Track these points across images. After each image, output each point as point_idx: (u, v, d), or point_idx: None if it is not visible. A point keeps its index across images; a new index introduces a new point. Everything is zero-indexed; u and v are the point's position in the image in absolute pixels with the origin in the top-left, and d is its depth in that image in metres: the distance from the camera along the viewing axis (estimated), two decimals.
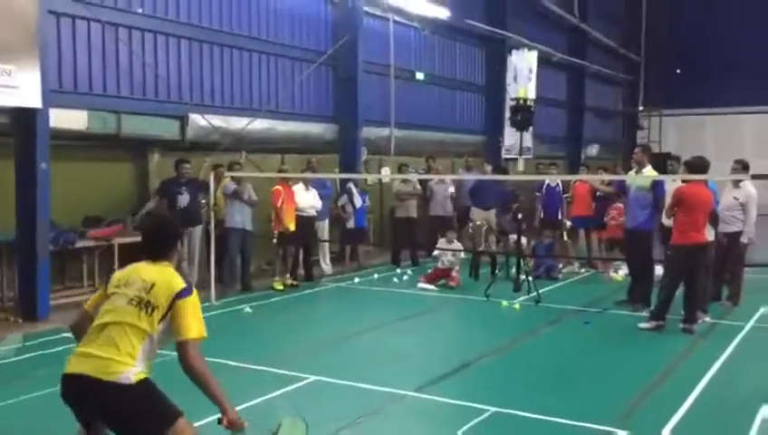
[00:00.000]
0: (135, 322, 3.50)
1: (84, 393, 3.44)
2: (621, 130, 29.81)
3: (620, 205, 11.36)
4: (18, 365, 6.86)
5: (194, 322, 3.54)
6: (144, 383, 3.47)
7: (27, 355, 7.17)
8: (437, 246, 11.64)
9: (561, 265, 12.29)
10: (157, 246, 3.80)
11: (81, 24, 9.67)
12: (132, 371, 3.43)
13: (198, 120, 11.05)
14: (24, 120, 8.52)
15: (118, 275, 3.75)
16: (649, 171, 9.30)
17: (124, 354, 3.44)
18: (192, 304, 3.59)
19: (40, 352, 7.26)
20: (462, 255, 11.63)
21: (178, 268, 3.90)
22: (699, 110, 26.61)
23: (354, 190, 12.72)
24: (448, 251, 11.37)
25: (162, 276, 3.64)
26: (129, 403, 3.41)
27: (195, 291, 3.67)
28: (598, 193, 12.08)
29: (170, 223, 4.25)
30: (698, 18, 26.48)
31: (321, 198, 11.86)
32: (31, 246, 8.67)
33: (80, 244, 9.51)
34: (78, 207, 9.85)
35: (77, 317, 3.82)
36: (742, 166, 9.45)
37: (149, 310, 3.53)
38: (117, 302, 3.57)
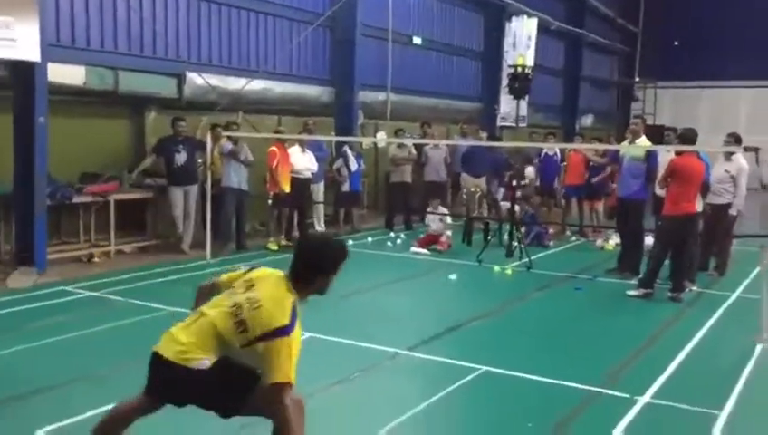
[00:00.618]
0: (223, 329, 3.36)
1: (161, 373, 3.42)
2: (616, 101, 29.81)
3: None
4: (14, 317, 6.96)
5: (285, 365, 3.24)
6: (220, 361, 3.39)
7: (23, 307, 7.27)
8: (427, 211, 11.80)
9: (549, 232, 12.41)
10: (307, 267, 3.48)
11: None
12: (207, 361, 3.36)
13: (196, 79, 11.03)
14: (23, 73, 8.49)
15: (258, 271, 3.57)
16: (643, 141, 9.41)
17: (205, 349, 3.36)
18: (287, 345, 3.26)
19: (37, 304, 7.37)
20: (449, 220, 11.72)
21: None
22: (695, 82, 26.64)
23: (350, 154, 12.76)
24: (436, 216, 11.52)
25: (272, 304, 3.35)
26: (206, 385, 3.36)
27: (297, 327, 3.33)
28: (591, 163, 12.21)
29: (329, 250, 3.62)
30: None
31: (317, 160, 11.92)
32: (28, 200, 8.71)
33: (76, 199, 9.55)
34: (75, 163, 9.87)
35: (207, 284, 3.76)
36: (734, 139, 9.56)
37: (241, 328, 3.33)
38: (228, 298, 3.46)
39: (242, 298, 3.40)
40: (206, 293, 3.71)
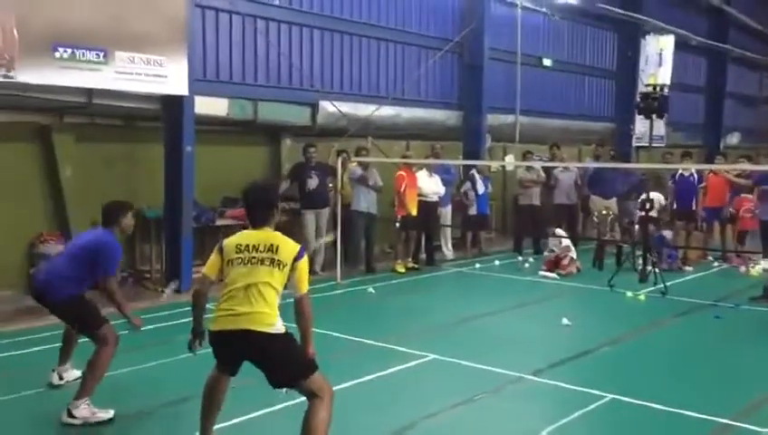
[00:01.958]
0: (270, 280, 3.98)
1: (244, 344, 3.96)
2: (766, 118, 27.88)
3: (750, 196, 11.24)
4: (163, 331, 7.53)
5: (307, 278, 4.09)
6: (289, 334, 4.01)
7: (172, 323, 7.84)
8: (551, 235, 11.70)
9: (678, 256, 11.81)
10: (261, 211, 4.17)
11: (224, 17, 10.33)
12: (279, 321, 3.95)
13: (328, 107, 11.52)
14: (172, 106, 9.25)
15: (233, 242, 4.11)
16: None
17: (272, 307, 3.97)
18: (306, 263, 4.10)
19: (183, 320, 7.92)
20: (566, 242, 11.44)
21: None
22: None
23: (477, 177, 12.80)
24: (556, 239, 11.41)
25: (280, 240, 4.08)
26: (281, 349, 3.97)
27: (305, 253, 4.13)
28: (734, 184, 11.57)
29: (271, 189, 4.48)
30: None
31: (444, 183, 12.05)
32: (176, 223, 9.44)
33: (219, 222, 10.22)
34: (217, 188, 10.58)
35: (203, 285, 4.27)
36: None
37: (281, 266, 4.00)
38: (248, 265, 4.01)
39: (261, 254, 4.00)
40: (207, 289, 4.24)
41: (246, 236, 4.13)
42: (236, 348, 4.01)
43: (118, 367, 5.52)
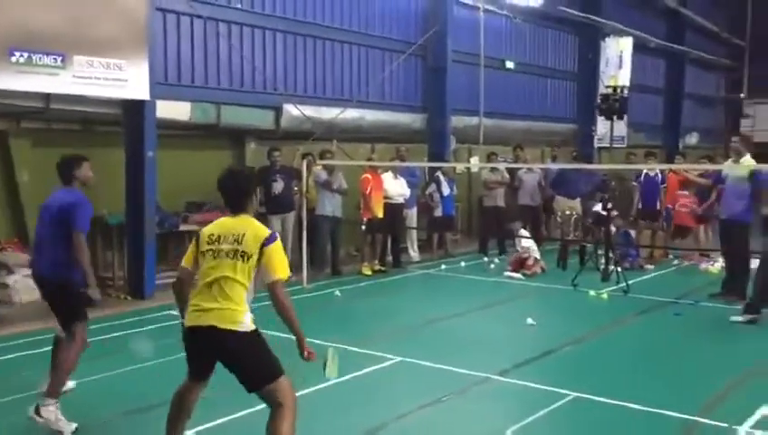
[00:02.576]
0: (233, 274, 3.90)
1: (209, 341, 3.90)
2: (724, 118, 28.55)
3: (687, 193, 11.79)
4: (127, 339, 7.43)
5: (280, 264, 3.94)
6: (258, 333, 3.93)
7: (134, 330, 7.75)
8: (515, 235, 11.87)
9: (639, 256, 12.03)
10: (234, 198, 4.13)
11: (185, 20, 10.22)
12: (247, 319, 3.90)
13: (292, 111, 11.47)
14: (134, 111, 9.13)
15: (207, 232, 4.07)
16: (748, 160, 9.02)
17: (238, 303, 3.88)
18: (278, 248, 3.96)
19: (147, 327, 7.84)
20: (527, 242, 11.55)
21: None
22: None
23: (442, 179, 12.86)
24: (521, 239, 11.53)
25: (248, 227, 3.99)
26: (247, 348, 3.89)
27: (278, 236, 4.03)
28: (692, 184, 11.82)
29: (241, 176, 4.39)
30: None
31: (410, 186, 12.10)
32: (139, 229, 9.31)
33: (182, 227, 10.10)
34: (181, 193, 10.47)
35: (182, 276, 4.19)
36: None
37: (245, 258, 3.91)
38: (216, 258, 3.95)
39: (227, 245, 3.94)
40: (188, 279, 4.14)
41: (220, 226, 4.08)
42: (203, 346, 3.95)
43: (82, 375, 5.44)
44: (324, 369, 4.16)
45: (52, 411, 4.90)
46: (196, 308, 3.94)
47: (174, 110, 9.87)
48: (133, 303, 9.07)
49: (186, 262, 4.16)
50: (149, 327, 7.84)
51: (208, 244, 4.00)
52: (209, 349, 3.95)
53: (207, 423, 4.81)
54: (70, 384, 5.46)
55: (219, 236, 3.99)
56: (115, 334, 7.51)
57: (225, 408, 5.00)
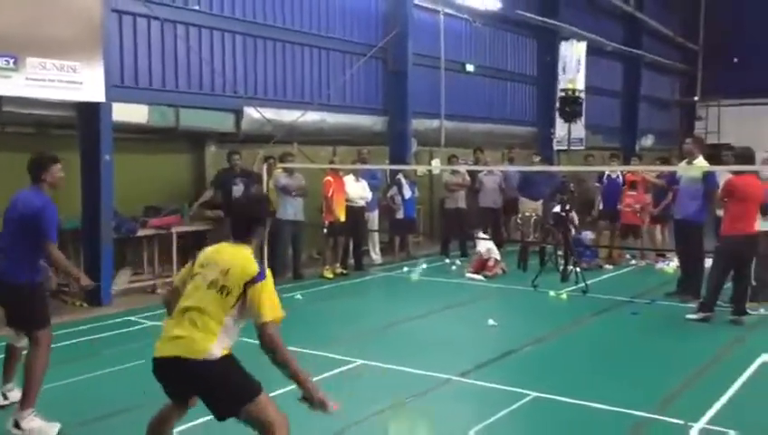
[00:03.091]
0: (212, 306, 3.64)
1: (176, 373, 3.66)
2: (679, 120, 29.18)
3: (633, 193, 12.06)
4: (86, 345, 7.30)
5: (268, 304, 3.63)
6: (228, 359, 3.67)
7: (94, 336, 7.60)
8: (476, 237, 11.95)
9: (597, 256, 12.24)
10: (237, 223, 3.93)
11: (142, 22, 10.09)
12: (217, 347, 3.61)
13: (252, 113, 11.39)
14: (89, 114, 8.96)
15: (204, 253, 3.87)
16: (700, 162, 9.23)
17: (207, 332, 3.61)
18: (265, 288, 3.64)
19: (106, 334, 7.71)
20: (486, 245, 11.66)
21: (259, 251, 4.04)
22: (759, 99, 25.81)
23: (404, 181, 12.90)
24: (480, 241, 11.64)
25: (238, 260, 3.71)
26: (215, 377, 3.62)
27: (269, 274, 3.72)
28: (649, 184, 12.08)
29: (254, 201, 4.17)
30: (758, 5, 25.63)
31: (371, 188, 12.11)
32: (95, 234, 9.13)
33: (140, 232, 9.95)
34: (139, 198, 10.30)
35: (167, 294, 4.09)
36: None
37: (225, 293, 3.64)
38: (198, 284, 3.72)
39: (211, 274, 3.69)
40: (174, 298, 3.91)
41: (216, 251, 3.85)
42: (170, 376, 3.71)
43: (45, 382, 5.32)
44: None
45: (32, 420, 4.86)
46: (165, 335, 3.71)
47: (131, 112, 9.72)
48: (90, 310, 8.89)
49: (177, 280, 3.99)
50: (108, 334, 7.71)
51: (200, 267, 3.79)
52: (176, 379, 3.71)
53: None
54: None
55: (209, 262, 3.77)
56: (73, 341, 7.37)
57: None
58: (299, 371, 3.67)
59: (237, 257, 3.74)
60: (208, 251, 3.89)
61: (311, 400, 3.69)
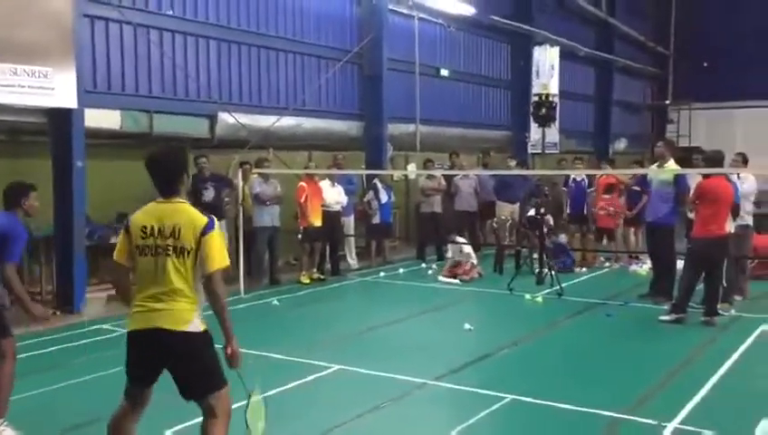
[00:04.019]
0: (177, 272, 3.64)
1: (155, 345, 3.66)
2: (650, 124, 29.57)
3: (607, 196, 12.17)
4: (58, 354, 7.19)
5: (219, 253, 3.68)
6: (208, 335, 3.73)
7: (66, 345, 7.50)
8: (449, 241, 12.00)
9: (572, 260, 12.37)
10: (164, 179, 3.78)
11: (114, 27, 9.99)
12: (197, 318, 3.68)
13: (227, 119, 11.34)
14: (61, 119, 8.87)
15: (138, 222, 3.74)
16: (671, 165, 9.36)
17: (186, 302, 3.66)
18: (216, 236, 3.70)
19: (78, 343, 7.60)
20: (466, 249, 11.73)
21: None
22: (729, 103, 26.26)
23: (380, 186, 12.91)
24: (455, 246, 11.67)
25: (183, 215, 3.70)
26: (196, 351, 3.67)
27: (216, 223, 3.77)
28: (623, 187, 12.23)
29: (172, 153, 3.95)
30: (728, 11, 26.11)
31: (347, 193, 12.10)
32: (68, 241, 9.03)
33: (113, 239, 9.79)
34: (112, 204, 10.16)
35: (119, 273, 3.91)
36: (742, 159, 9.41)
37: (185, 254, 3.65)
38: (155, 255, 3.66)
39: (164, 241, 3.66)
40: (126, 276, 3.87)
41: (152, 214, 3.73)
42: (148, 350, 3.69)
43: (15, 392, 5.23)
44: (245, 420, 3.99)
45: (3, 431, 4.82)
46: (141, 309, 3.67)
47: (104, 118, 9.63)
48: (62, 318, 8.76)
49: (118, 256, 3.82)
50: (82, 342, 7.61)
51: (142, 238, 3.69)
52: (155, 353, 3.68)
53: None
54: None
55: (154, 229, 3.67)
56: (46, 350, 7.26)
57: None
58: (229, 321, 3.73)
59: (181, 212, 3.71)
60: (144, 216, 3.76)
61: (225, 345, 3.78)
